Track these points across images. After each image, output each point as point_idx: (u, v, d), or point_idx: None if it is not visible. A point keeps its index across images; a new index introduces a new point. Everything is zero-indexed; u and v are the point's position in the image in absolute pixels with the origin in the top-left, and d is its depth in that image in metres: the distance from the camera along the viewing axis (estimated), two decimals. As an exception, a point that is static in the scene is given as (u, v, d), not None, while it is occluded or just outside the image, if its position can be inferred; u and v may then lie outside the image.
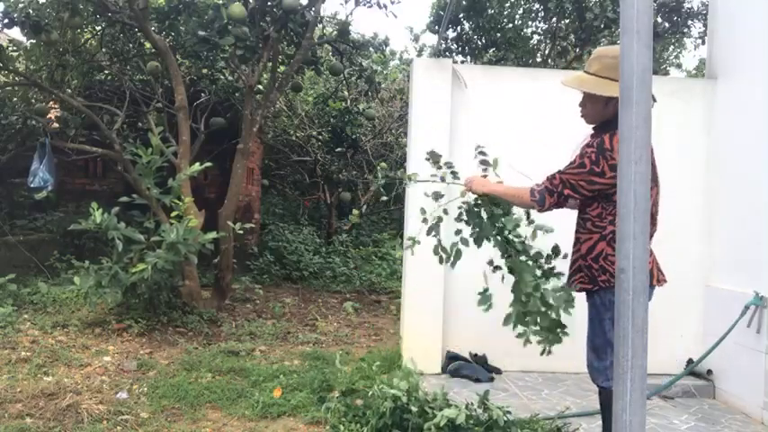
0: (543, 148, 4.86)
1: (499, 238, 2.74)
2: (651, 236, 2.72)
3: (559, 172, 2.67)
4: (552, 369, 4.82)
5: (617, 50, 2.69)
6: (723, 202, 4.64)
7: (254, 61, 6.70)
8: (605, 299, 2.58)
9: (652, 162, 2.69)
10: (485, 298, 2.76)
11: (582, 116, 2.81)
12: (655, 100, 2.57)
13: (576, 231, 2.76)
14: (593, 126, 2.79)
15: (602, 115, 2.70)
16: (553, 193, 2.65)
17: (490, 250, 2.92)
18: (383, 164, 11.25)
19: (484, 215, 2.79)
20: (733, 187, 4.53)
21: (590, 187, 2.59)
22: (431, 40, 13.19)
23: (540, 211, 2.70)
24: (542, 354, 2.65)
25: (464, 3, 9.54)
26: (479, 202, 2.82)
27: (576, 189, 2.61)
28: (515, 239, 2.72)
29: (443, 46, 10.18)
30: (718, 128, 4.79)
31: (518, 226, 2.73)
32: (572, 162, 2.65)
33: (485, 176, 2.89)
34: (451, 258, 2.85)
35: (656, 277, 2.70)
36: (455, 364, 4.75)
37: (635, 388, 1.62)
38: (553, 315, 2.61)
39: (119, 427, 3.45)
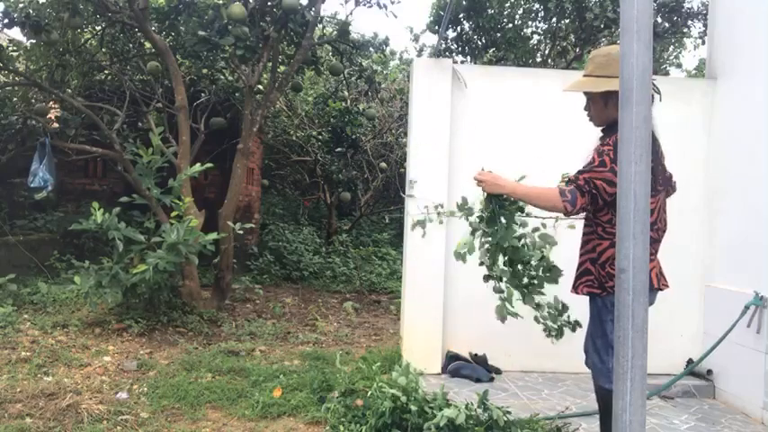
0: (543, 148, 4.87)
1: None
2: (661, 239, 2.73)
3: (580, 172, 2.56)
4: (552, 369, 4.83)
5: (609, 48, 2.72)
6: (723, 202, 4.63)
7: (254, 61, 6.70)
8: (608, 301, 2.58)
9: (663, 166, 2.70)
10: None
11: (590, 120, 2.80)
12: (658, 92, 2.57)
13: (587, 234, 2.72)
14: (601, 129, 2.77)
15: (606, 115, 2.69)
16: (584, 193, 2.52)
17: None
18: (383, 164, 11.26)
19: (503, 220, 2.63)
20: (733, 187, 4.53)
21: (610, 189, 2.47)
22: (431, 40, 13.19)
23: (568, 213, 2.56)
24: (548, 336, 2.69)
25: (464, 3, 9.55)
26: (490, 203, 2.66)
27: (599, 191, 2.51)
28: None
29: (443, 46, 10.18)
30: (718, 128, 4.79)
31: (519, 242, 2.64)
32: (590, 162, 2.56)
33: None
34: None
35: (660, 281, 2.69)
36: (455, 364, 4.75)
37: (635, 388, 1.62)
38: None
39: (119, 427, 3.44)
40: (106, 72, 8.25)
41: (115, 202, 5.67)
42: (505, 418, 3.07)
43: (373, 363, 4.10)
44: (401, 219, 10.01)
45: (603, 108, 2.69)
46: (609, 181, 2.48)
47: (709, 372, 4.55)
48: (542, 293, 2.73)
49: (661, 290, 2.71)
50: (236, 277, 7.76)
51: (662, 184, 2.70)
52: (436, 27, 10.39)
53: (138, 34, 7.34)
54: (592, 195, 2.52)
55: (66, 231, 6.94)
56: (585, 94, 2.75)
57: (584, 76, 2.74)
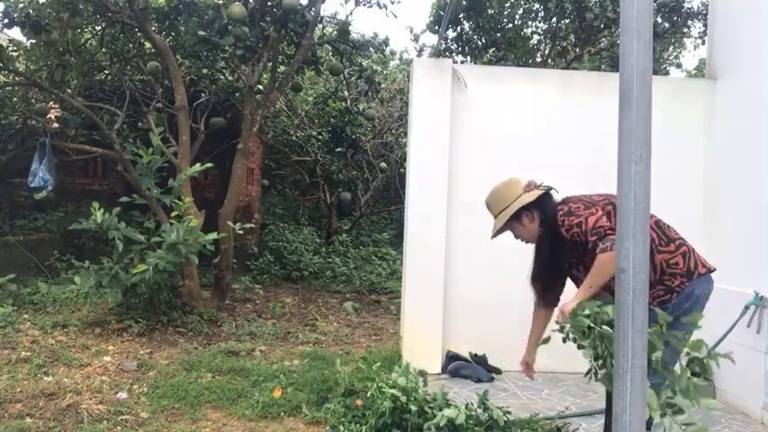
0: (543, 148, 4.87)
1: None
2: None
3: (599, 238, 2.66)
4: (552, 369, 4.82)
5: (493, 188, 3.00)
6: (723, 202, 4.63)
7: (254, 61, 6.70)
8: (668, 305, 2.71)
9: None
10: None
11: (527, 243, 3.03)
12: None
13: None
14: (539, 237, 2.96)
15: (530, 230, 2.94)
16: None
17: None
18: (383, 164, 11.26)
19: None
20: (733, 187, 4.53)
21: (608, 223, 2.68)
22: (431, 40, 13.19)
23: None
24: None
25: (464, 3, 9.55)
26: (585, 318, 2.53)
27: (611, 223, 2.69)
28: None
29: (443, 46, 10.18)
30: (718, 128, 4.79)
31: None
32: (584, 225, 2.71)
33: None
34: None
35: (703, 264, 2.80)
36: (455, 364, 4.75)
37: (635, 388, 1.62)
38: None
39: (119, 427, 3.44)
40: (106, 72, 8.25)
41: (115, 202, 5.67)
42: (505, 418, 3.07)
43: (373, 363, 4.09)
44: (401, 219, 10.01)
45: (523, 227, 2.95)
46: (604, 217, 2.70)
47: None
48: None
49: (714, 271, 2.83)
50: (236, 277, 7.76)
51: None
52: (436, 27, 10.39)
53: (138, 34, 7.34)
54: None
55: (66, 231, 6.94)
56: (509, 229, 3.00)
57: (495, 219, 3.01)
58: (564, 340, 2.55)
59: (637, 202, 1.63)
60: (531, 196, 2.92)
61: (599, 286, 2.64)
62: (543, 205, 2.93)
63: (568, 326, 2.52)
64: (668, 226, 2.83)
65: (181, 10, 6.96)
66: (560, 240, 2.85)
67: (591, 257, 2.71)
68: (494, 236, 3.04)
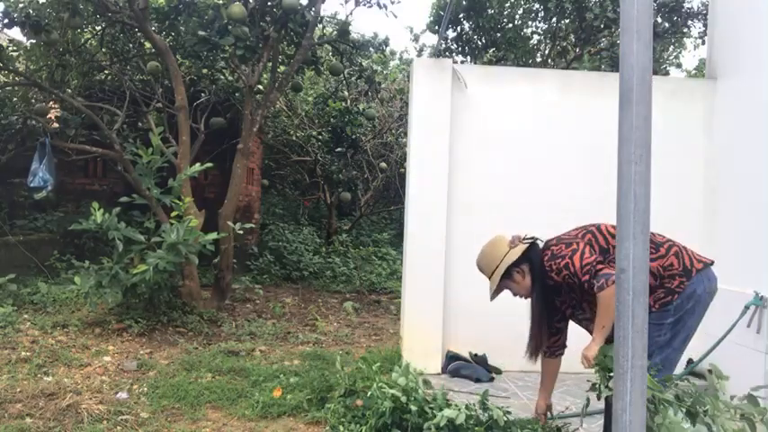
0: (543, 148, 4.87)
1: None
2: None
3: (593, 275, 2.69)
4: (552, 369, 4.82)
5: (480, 251, 3.06)
6: (723, 203, 4.63)
7: (254, 61, 6.70)
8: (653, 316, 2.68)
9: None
10: None
11: (524, 297, 3.06)
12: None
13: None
14: (531, 290, 3.00)
15: (523, 285, 2.98)
16: (606, 272, 2.69)
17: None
18: (383, 164, 11.25)
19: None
20: (733, 187, 4.53)
21: (589, 258, 2.74)
22: (431, 40, 13.20)
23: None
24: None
25: (464, 3, 9.55)
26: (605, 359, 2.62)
27: (601, 256, 2.76)
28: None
29: (443, 46, 10.19)
30: (718, 128, 4.79)
31: None
32: (572, 267, 2.74)
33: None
34: None
35: (699, 260, 2.85)
36: (455, 364, 4.75)
37: (635, 388, 1.62)
38: None
39: (119, 427, 3.44)
40: (106, 72, 8.25)
41: (115, 202, 5.67)
42: (505, 418, 3.07)
43: (373, 363, 4.09)
44: (401, 219, 10.01)
45: (517, 284, 2.99)
46: (587, 249, 2.75)
47: (710, 372, 4.54)
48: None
49: (712, 264, 2.88)
50: (236, 277, 7.76)
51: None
52: (436, 27, 10.39)
53: (138, 34, 7.34)
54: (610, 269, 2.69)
55: (67, 231, 6.94)
56: (505, 288, 3.06)
57: (489, 279, 3.05)
58: (598, 397, 2.59)
59: (637, 202, 1.63)
60: (517, 252, 2.95)
61: (612, 323, 2.62)
62: (531, 257, 2.96)
63: (597, 376, 2.57)
64: (652, 233, 2.84)
65: (181, 10, 6.96)
66: (554, 286, 2.88)
67: (590, 294, 2.74)
68: (492, 298, 3.06)
